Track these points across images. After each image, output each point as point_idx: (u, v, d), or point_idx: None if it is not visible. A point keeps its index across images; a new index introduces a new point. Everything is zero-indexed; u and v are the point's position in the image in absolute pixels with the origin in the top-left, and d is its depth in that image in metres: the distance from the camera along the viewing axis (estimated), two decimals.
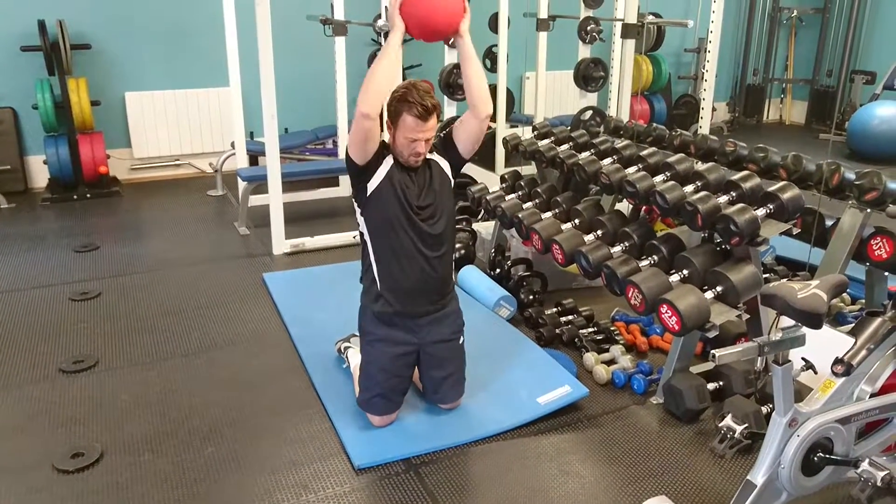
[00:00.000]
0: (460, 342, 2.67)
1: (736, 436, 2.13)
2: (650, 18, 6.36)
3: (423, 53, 6.17)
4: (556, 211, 3.38)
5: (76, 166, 5.29)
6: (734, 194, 2.70)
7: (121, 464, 2.39)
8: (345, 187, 5.52)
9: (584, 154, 3.48)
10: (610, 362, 3.02)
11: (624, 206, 3.55)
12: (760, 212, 2.59)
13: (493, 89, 5.11)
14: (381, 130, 2.45)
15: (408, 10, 2.41)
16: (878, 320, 1.98)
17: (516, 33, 5.27)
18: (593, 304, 3.47)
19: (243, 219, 4.76)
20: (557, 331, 3.23)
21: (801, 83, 8.09)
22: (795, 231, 2.94)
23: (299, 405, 2.75)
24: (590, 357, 3.01)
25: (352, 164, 2.45)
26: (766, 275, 3.48)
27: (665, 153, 3.22)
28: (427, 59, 6.22)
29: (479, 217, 4.50)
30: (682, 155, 3.10)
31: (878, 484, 1.90)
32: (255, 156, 5.49)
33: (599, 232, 3.08)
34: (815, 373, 1.96)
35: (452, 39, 2.57)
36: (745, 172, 2.78)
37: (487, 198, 3.74)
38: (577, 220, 3.22)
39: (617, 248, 2.95)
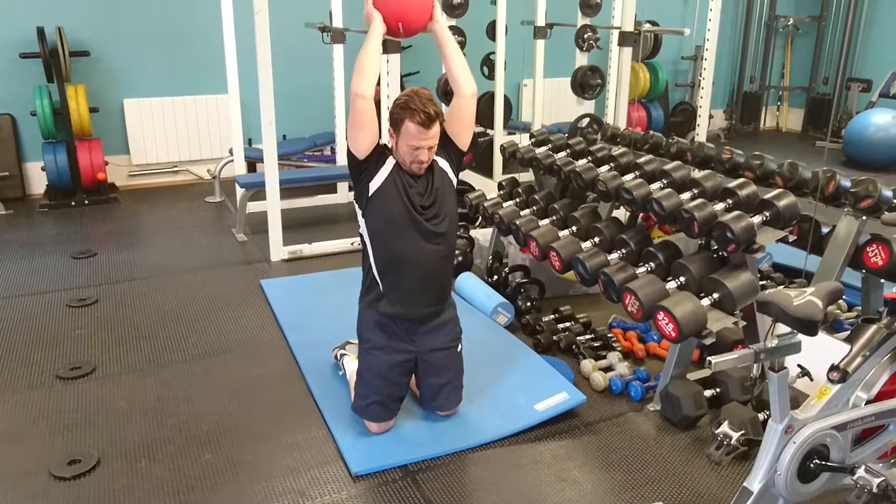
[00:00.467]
0: (458, 350, 2.68)
1: (732, 442, 2.14)
2: (647, 26, 6.41)
3: (420, 61, 6.19)
4: (554, 218, 3.39)
5: (74, 173, 5.30)
6: (731, 202, 2.71)
7: (118, 470, 2.39)
8: (343, 194, 5.54)
9: (582, 161, 3.49)
10: (607, 369, 3.02)
11: (621, 214, 3.56)
12: (757, 219, 2.61)
13: (491, 97, 5.13)
14: (380, 136, 2.46)
15: (380, 2, 2.51)
16: (874, 327, 1.99)
17: (514, 41, 5.29)
18: (591, 311, 3.48)
19: (241, 225, 4.77)
20: (555, 337, 3.23)
21: (798, 91, 8.12)
22: (792, 238, 2.96)
23: (297, 412, 2.75)
24: (587, 364, 3.01)
25: (352, 160, 2.46)
26: (763, 282, 3.50)
27: (662, 160, 3.23)
28: (424, 67, 6.24)
29: (477, 224, 4.52)
30: (679, 162, 3.12)
31: (874, 491, 1.90)
32: (253, 162, 5.50)
33: (597, 239, 3.09)
34: (812, 380, 1.96)
35: (429, 27, 2.61)
36: (741, 180, 2.79)
37: (485, 205, 3.75)
38: (574, 228, 3.23)
39: (614, 255, 2.96)
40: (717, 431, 2.17)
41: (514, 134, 5.51)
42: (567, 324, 3.37)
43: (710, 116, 6.46)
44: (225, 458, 2.46)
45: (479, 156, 5.36)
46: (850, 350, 1.94)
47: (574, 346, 3.17)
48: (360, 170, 2.46)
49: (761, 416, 2.48)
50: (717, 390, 2.74)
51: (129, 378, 2.99)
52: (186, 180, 6.08)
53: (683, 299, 2.49)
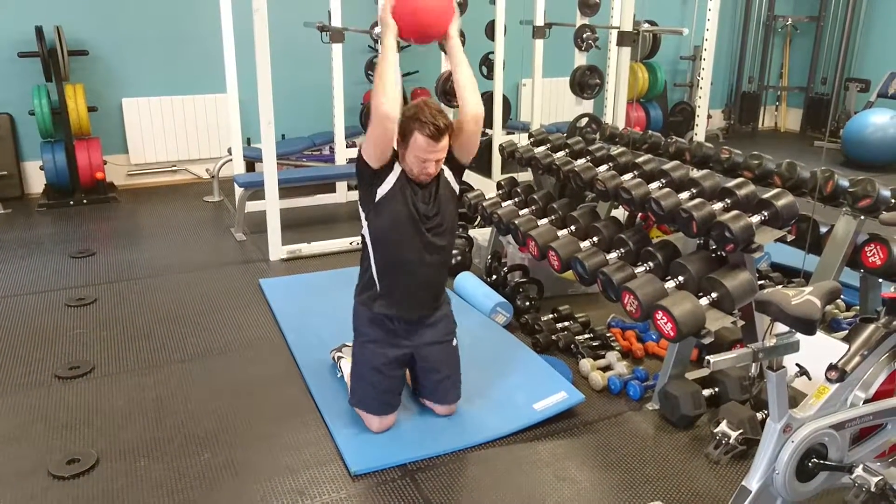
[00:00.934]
0: (454, 343, 2.69)
1: (731, 442, 2.14)
2: (646, 26, 6.41)
3: (420, 61, 6.19)
4: (553, 217, 3.39)
5: (73, 172, 5.29)
6: (729, 201, 2.71)
7: (116, 470, 2.39)
8: (341, 193, 5.53)
9: (580, 161, 3.49)
10: (606, 368, 3.02)
11: (620, 213, 3.56)
12: (755, 219, 2.61)
13: (490, 96, 5.12)
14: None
15: (399, 10, 2.45)
16: (872, 326, 1.99)
17: (513, 40, 5.29)
18: (589, 311, 3.48)
19: (240, 225, 4.76)
20: (554, 337, 3.24)
21: (796, 91, 8.13)
22: (790, 238, 2.96)
23: (296, 411, 2.75)
24: (586, 363, 3.02)
25: (365, 168, 2.45)
26: (761, 281, 3.50)
27: (660, 160, 3.23)
28: (424, 67, 6.24)
29: (476, 223, 4.52)
30: (678, 162, 3.12)
31: (872, 489, 1.90)
32: (251, 162, 5.50)
33: (595, 238, 3.09)
34: (810, 379, 1.97)
35: (443, 43, 2.59)
36: (739, 180, 2.79)
37: (484, 204, 3.75)
38: (573, 227, 3.23)
39: (613, 255, 2.96)
40: (715, 430, 2.17)
41: (513, 134, 5.52)
42: (566, 323, 3.37)
43: (709, 116, 6.48)
44: (224, 458, 2.46)
45: (478, 155, 5.35)
46: (849, 349, 1.94)
47: (573, 346, 3.18)
48: (371, 177, 2.46)
49: (760, 416, 2.48)
50: (716, 389, 2.74)
51: (128, 377, 2.98)
52: (185, 180, 6.08)
53: (682, 299, 2.49)
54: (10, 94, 5.33)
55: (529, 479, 2.38)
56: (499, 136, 5.15)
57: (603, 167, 3.35)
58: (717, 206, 2.71)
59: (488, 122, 5.38)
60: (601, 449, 2.54)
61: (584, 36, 5.59)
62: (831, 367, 1.88)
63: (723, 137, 7.70)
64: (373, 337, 2.59)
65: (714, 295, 2.55)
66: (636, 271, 2.79)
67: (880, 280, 2.99)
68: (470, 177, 5.19)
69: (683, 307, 2.45)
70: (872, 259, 2.88)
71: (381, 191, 2.45)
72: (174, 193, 5.77)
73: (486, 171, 5.22)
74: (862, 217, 2.90)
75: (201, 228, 4.97)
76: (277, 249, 4.33)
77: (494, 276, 3.79)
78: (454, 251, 4.04)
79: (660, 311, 2.47)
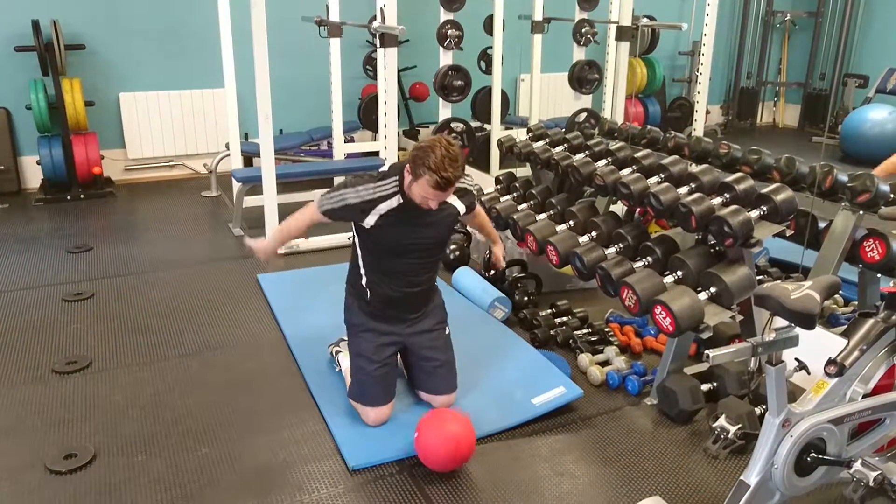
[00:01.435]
0: (445, 332, 2.72)
1: (729, 436, 2.14)
2: (644, 21, 6.40)
3: (419, 55, 6.17)
4: (551, 212, 3.39)
5: (70, 167, 5.27)
6: (728, 196, 2.71)
7: (114, 465, 2.38)
8: None
9: (579, 156, 3.49)
10: (604, 363, 3.02)
11: (618, 208, 3.56)
12: (754, 214, 2.61)
13: (488, 92, 5.12)
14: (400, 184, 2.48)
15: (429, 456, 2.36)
16: (871, 321, 1.99)
17: (511, 35, 5.28)
18: (588, 306, 3.48)
19: (238, 220, 4.75)
20: (552, 332, 3.23)
21: (795, 86, 8.12)
22: (789, 233, 2.95)
23: (293, 406, 2.74)
24: (584, 358, 3.01)
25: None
26: (760, 276, 3.50)
27: (659, 155, 3.23)
28: (421, 62, 6.22)
29: None
30: (677, 157, 3.11)
31: (871, 484, 1.91)
32: (249, 157, 5.48)
33: (594, 233, 3.09)
34: (809, 373, 1.97)
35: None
36: (738, 174, 2.79)
37: (482, 199, 3.75)
38: (571, 222, 3.23)
39: (611, 250, 2.96)
40: (714, 425, 2.17)
41: (512, 129, 5.51)
42: (564, 318, 3.37)
43: (707, 112, 6.47)
44: (221, 453, 2.46)
45: (477, 150, 5.35)
46: (848, 344, 1.94)
47: (571, 341, 3.17)
48: (353, 219, 2.52)
49: (758, 410, 2.48)
50: (714, 384, 2.74)
51: (126, 372, 2.98)
52: (183, 175, 6.06)
53: (681, 293, 2.49)
54: (7, 89, 5.31)
55: (527, 474, 2.38)
56: (497, 131, 5.15)
57: (602, 162, 3.34)
58: (716, 200, 2.71)
59: (487, 117, 5.38)
60: (599, 444, 2.54)
61: (583, 31, 5.59)
62: (830, 362, 1.88)
63: (721, 133, 7.70)
64: (366, 327, 2.63)
65: (713, 290, 2.55)
66: (635, 266, 2.79)
67: (879, 275, 2.99)
68: (469, 172, 5.18)
69: (682, 302, 2.44)
70: (871, 254, 2.88)
71: (369, 222, 2.47)
72: (172, 188, 5.76)
73: (484, 167, 5.21)
74: (861, 212, 2.90)
75: (199, 223, 4.96)
76: None
77: (493, 272, 3.78)
78: (452, 246, 4.04)
79: (658, 306, 2.47)
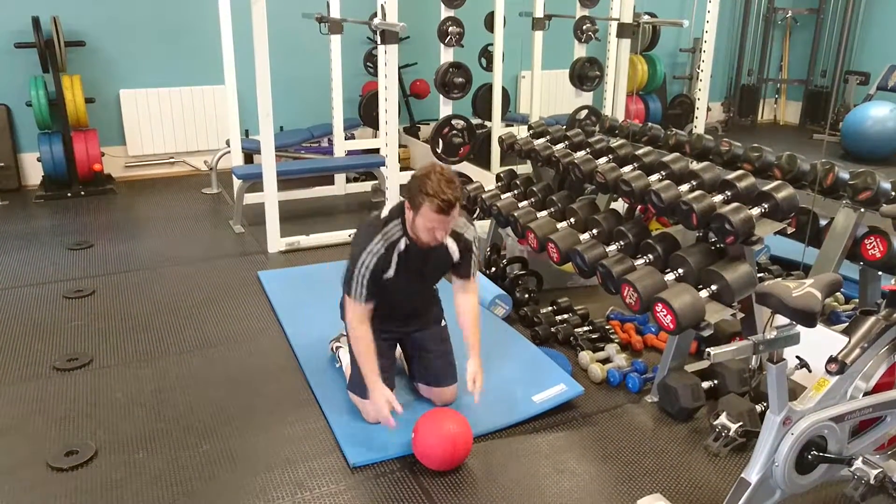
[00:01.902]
0: (442, 325, 2.76)
1: (730, 434, 2.14)
2: (645, 18, 6.39)
3: (420, 52, 6.16)
4: (552, 210, 3.39)
5: (70, 164, 5.27)
6: (729, 194, 2.71)
7: (115, 462, 2.39)
8: (340, 186, 5.52)
9: (580, 153, 3.48)
10: (605, 361, 3.02)
11: (619, 206, 3.56)
12: (755, 211, 2.61)
13: (489, 89, 5.11)
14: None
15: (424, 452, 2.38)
16: (872, 319, 1.99)
17: (512, 32, 5.27)
18: (588, 303, 3.48)
19: (238, 217, 4.75)
20: (553, 329, 3.23)
21: (796, 84, 8.11)
22: (790, 230, 2.96)
23: (294, 403, 2.75)
24: (585, 356, 3.01)
25: None
26: (761, 274, 3.50)
27: (660, 152, 3.23)
28: (422, 58, 6.21)
29: (475, 216, 4.50)
30: (678, 154, 3.11)
31: (872, 482, 1.91)
32: (250, 154, 5.48)
33: (595, 231, 3.08)
34: (810, 371, 1.97)
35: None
36: (739, 172, 2.79)
37: (483, 196, 3.75)
38: (572, 219, 3.23)
39: (612, 247, 2.95)
40: (714, 423, 2.18)
41: (513, 126, 5.50)
42: (565, 315, 3.37)
43: (708, 109, 6.46)
44: (222, 450, 2.46)
45: (477, 147, 5.34)
46: (849, 342, 1.94)
47: (572, 338, 3.17)
48: None
49: (759, 408, 2.48)
50: (715, 382, 2.74)
51: (127, 369, 2.98)
52: (183, 172, 6.06)
53: (682, 291, 2.49)
54: (7, 86, 5.31)
55: (528, 471, 2.38)
56: (498, 129, 5.14)
57: (602, 159, 3.34)
58: (717, 198, 2.70)
59: (487, 114, 5.37)
60: (600, 441, 2.55)
61: (584, 28, 5.57)
62: (831, 360, 1.88)
63: (722, 130, 7.70)
64: None
65: (714, 287, 2.55)
66: (636, 264, 2.79)
67: (880, 273, 2.99)
68: (469, 168, 5.18)
69: (683, 299, 2.44)
70: (872, 252, 2.88)
71: (390, 273, 2.48)
72: (172, 185, 5.76)
73: (485, 164, 5.21)
74: (862, 209, 2.90)
75: (199, 220, 4.96)
76: (276, 241, 4.32)
77: (493, 269, 3.79)
78: None
79: (659, 304, 2.47)
